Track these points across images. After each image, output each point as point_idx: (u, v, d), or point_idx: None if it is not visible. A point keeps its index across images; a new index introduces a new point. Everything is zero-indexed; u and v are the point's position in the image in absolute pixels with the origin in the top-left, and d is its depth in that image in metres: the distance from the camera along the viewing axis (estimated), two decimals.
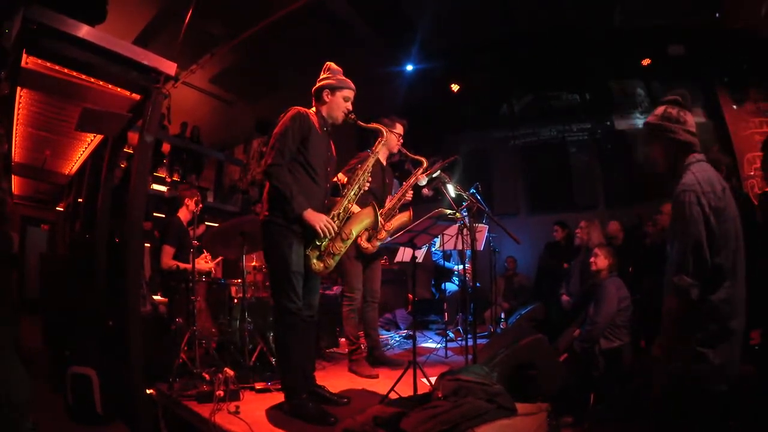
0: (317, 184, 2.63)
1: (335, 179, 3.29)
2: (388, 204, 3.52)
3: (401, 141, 3.63)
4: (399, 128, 3.62)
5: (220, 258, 4.22)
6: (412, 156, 3.51)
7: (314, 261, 2.58)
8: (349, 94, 2.73)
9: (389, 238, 3.31)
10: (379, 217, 2.88)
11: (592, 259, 3.74)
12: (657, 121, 2.00)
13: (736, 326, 1.83)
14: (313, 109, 2.73)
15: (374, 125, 3.08)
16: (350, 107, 2.73)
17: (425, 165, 3.50)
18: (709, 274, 1.80)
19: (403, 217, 3.46)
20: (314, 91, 2.74)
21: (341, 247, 2.64)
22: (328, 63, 2.78)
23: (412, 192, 3.60)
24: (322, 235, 2.50)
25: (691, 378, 1.84)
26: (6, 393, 1.93)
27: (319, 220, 2.48)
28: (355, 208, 2.82)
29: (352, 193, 2.74)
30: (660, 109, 2.02)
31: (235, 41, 6.01)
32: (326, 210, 2.65)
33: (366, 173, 2.81)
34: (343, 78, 2.73)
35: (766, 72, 5.53)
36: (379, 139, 3.01)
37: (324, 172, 2.68)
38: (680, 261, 1.82)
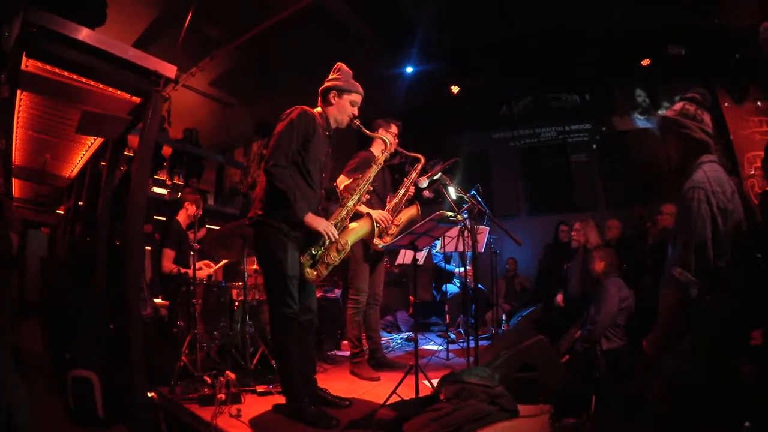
0: (313, 189, 2.58)
1: (335, 183, 3.29)
2: (393, 200, 3.52)
3: (397, 140, 3.63)
4: (394, 128, 3.62)
5: (224, 262, 4.21)
6: (409, 154, 3.52)
7: (308, 269, 2.55)
8: (357, 98, 2.68)
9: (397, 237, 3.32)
10: (376, 228, 2.88)
11: (591, 266, 3.75)
12: (674, 116, 2.00)
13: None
14: (318, 109, 2.69)
15: (378, 134, 3.08)
16: (356, 112, 2.69)
17: (423, 161, 3.50)
18: (708, 274, 1.78)
19: (410, 211, 3.48)
20: (321, 90, 2.69)
21: (336, 257, 2.60)
22: (339, 63, 2.72)
23: (413, 188, 3.61)
24: (326, 237, 2.48)
25: (684, 377, 1.83)
26: (2, 394, 1.93)
27: (321, 223, 2.45)
28: (362, 208, 2.81)
29: (351, 203, 2.71)
30: (678, 105, 2.01)
31: (235, 44, 6.01)
32: (323, 217, 2.64)
33: (367, 183, 2.78)
34: (353, 81, 2.69)
35: (765, 71, 5.53)
36: (383, 148, 3.01)
37: (319, 177, 2.63)
38: (683, 258, 1.80)
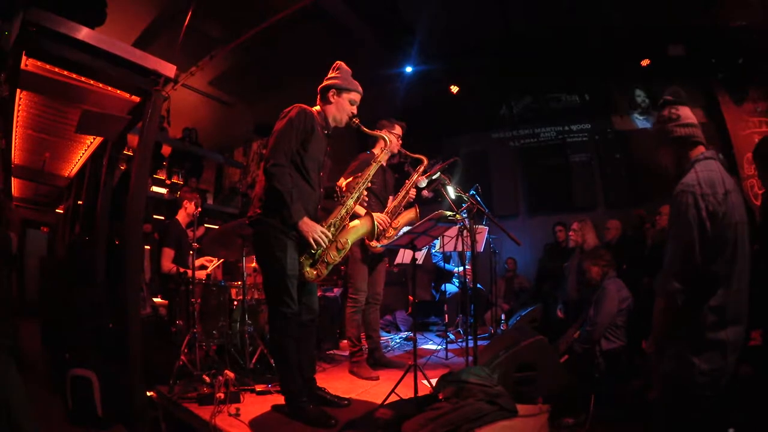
0: (312, 187, 2.58)
1: (338, 184, 3.29)
2: (393, 202, 3.52)
3: (400, 142, 3.64)
4: (398, 129, 3.63)
5: (220, 261, 4.22)
6: (412, 155, 3.51)
7: (307, 269, 2.55)
8: (356, 97, 2.68)
9: (397, 236, 3.31)
10: (377, 228, 2.88)
11: (587, 276, 3.75)
12: (658, 129, 2.03)
13: (726, 335, 1.75)
14: (317, 107, 2.68)
15: (378, 132, 3.07)
16: (355, 111, 2.68)
17: (426, 163, 3.49)
18: (700, 280, 1.75)
19: (409, 214, 3.49)
20: (320, 89, 2.69)
21: (336, 257, 2.59)
22: (338, 62, 2.72)
23: (414, 190, 3.61)
24: (315, 246, 2.48)
25: (679, 380, 1.82)
26: (2, 394, 1.93)
27: (312, 231, 2.44)
28: (359, 209, 2.81)
29: (351, 201, 2.69)
30: (657, 117, 2.05)
31: (234, 44, 6.01)
32: (323, 215, 2.64)
33: (366, 182, 2.77)
34: (352, 80, 2.68)
35: (765, 72, 5.54)
36: (383, 146, 3.01)
37: (317, 176, 2.63)
38: (670, 264, 1.79)
